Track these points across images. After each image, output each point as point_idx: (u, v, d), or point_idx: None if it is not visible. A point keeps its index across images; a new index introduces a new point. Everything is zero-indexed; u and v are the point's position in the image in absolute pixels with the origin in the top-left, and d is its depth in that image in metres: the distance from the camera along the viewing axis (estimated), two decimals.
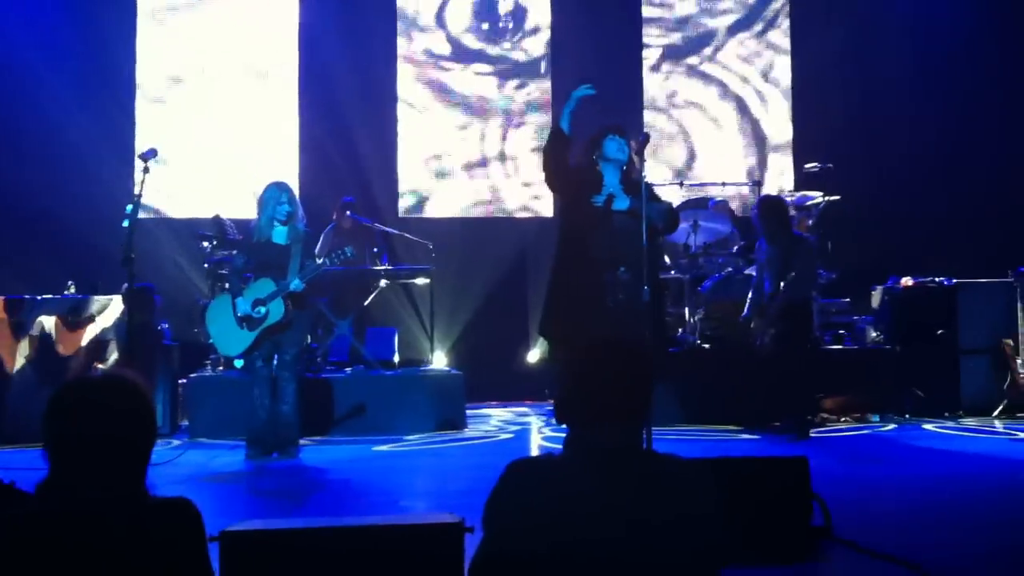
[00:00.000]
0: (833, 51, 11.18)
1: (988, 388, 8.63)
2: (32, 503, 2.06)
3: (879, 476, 6.12)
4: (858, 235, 9.95)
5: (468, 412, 8.53)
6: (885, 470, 6.32)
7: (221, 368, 8.31)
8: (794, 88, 11.60)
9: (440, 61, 11.33)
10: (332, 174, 10.61)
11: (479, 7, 11.38)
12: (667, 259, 9.03)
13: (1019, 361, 8.57)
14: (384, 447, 7.40)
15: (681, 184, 10.12)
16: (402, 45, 11.25)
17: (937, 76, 11.23)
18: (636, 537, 2.06)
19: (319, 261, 6.87)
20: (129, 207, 5.94)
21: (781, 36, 11.70)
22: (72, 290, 8.09)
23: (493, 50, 11.40)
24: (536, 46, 11.43)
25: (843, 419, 8.34)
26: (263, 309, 6.72)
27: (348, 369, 8.66)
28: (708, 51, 11.65)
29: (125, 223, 5.92)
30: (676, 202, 8.38)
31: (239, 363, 7.53)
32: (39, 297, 7.93)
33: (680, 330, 8.82)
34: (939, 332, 8.59)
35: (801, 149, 11.24)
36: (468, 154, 11.31)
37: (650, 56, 11.56)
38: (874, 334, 8.94)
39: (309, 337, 7.95)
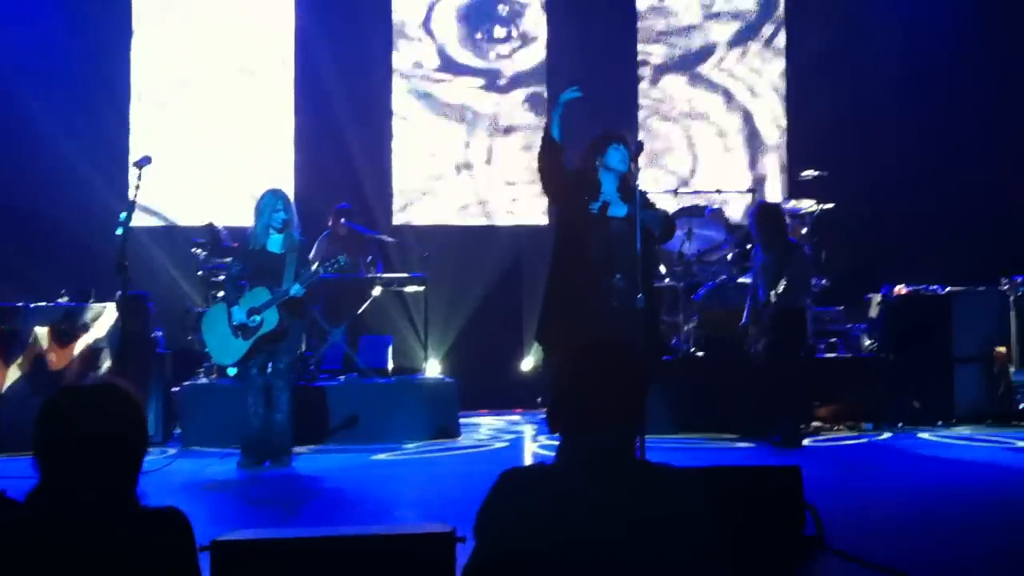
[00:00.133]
0: (826, 54, 11.20)
1: (982, 396, 8.63)
2: (22, 510, 2.05)
3: (873, 485, 6.11)
4: (851, 242, 9.95)
5: (461, 420, 8.50)
6: (879, 479, 6.32)
7: (214, 376, 8.28)
8: (788, 98, 11.61)
9: (433, 71, 11.33)
10: (327, 179, 10.60)
11: (473, 17, 11.39)
12: (662, 268, 9.03)
13: (1012, 369, 8.59)
14: (377, 456, 7.37)
15: (676, 192, 10.13)
16: (396, 54, 11.25)
17: (936, 77, 11.25)
18: (628, 546, 2.05)
19: (314, 268, 6.87)
20: (123, 214, 5.93)
21: (776, 46, 11.71)
22: (65, 298, 8.06)
23: (487, 59, 11.41)
24: (532, 55, 11.43)
25: (837, 427, 8.32)
26: (258, 318, 6.70)
27: (342, 377, 8.62)
28: (705, 59, 11.65)
29: (119, 230, 5.92)
30: (671, 209, 8.38)
31: (232, 371, 7.51)
32: (32, 305, 7.90)
33: (674, 338, 8.82)
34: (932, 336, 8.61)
35: (795, 156, 11.24)
36: (462, 162, 11.32)
37: (646, 63, 11.57)
38: (868, 342, 8.94)
39: (303, 345, 7.94)
